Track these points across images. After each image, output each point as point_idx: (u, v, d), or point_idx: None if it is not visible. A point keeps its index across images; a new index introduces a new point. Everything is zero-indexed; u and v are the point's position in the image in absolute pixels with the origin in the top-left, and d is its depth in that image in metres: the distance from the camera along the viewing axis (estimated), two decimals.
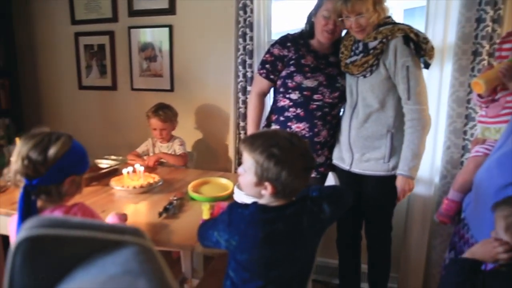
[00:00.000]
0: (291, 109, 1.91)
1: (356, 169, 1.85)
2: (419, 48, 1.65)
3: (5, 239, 1.76)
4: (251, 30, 2.32)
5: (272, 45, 1.98)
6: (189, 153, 2.47)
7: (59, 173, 1.14)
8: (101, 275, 0.54)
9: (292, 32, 2.00)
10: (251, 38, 2.33)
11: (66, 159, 1.14)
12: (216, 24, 2.55)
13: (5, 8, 2.92)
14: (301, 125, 1.90)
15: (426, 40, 1.66)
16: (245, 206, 1.17)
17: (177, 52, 2.71)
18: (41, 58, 3.17)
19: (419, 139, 1.69)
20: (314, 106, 1.88)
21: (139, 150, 2.46)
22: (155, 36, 2.75)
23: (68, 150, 1.15)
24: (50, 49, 3.12)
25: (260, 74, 2.00)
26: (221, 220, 1.18)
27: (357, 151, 1.83)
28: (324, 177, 1.95)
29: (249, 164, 1.12)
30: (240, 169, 1.19)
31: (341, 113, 1.98)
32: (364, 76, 1.74)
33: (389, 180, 1.76)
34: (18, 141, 1.98)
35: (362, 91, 1.78)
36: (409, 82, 1.65)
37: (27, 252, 0.59)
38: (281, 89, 1.95)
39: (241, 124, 2.45)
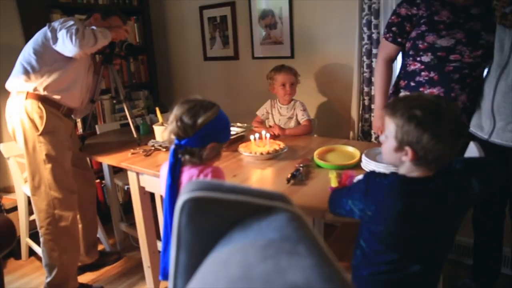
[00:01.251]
0: (423, 73, 1.73)
1: (497, 139, 1.60)
2: None
3: (151, 196, 2.01)
4: None
5: (399, 4, 1.77)
6: (312, 120, 2.43)
7: (204, 138, 1.26)
8: (261, 239, 0.56)
9: None
10: None
11: (211, 126, 1.25)
12: None
13: None
14: (435, 90, 1.70)
15: None
16: (383, 175, 1.11)
17: (297, 17, 2.66)
18: (171, 34, 3.44)
19: None
20: (451, 67, 1.66)
21: (259, 113, 2.48)
22: (274, 3, 2.73)
23: (214, 119, 1.26)
24: (179, 24, 3.36)
25: (386, 39, 1.83)
26: (357, 189, 1.13)
27: (501, 118, 1.57)
28: (462, 147, 1.74)
29: (390, 128, 1.06)
30: (381, 137, 1.13)
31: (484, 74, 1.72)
32: None
33: None
34: (158, 110, 2.21)
35: None
36: None
37: (191, 212, 0.63)
38: (411, 52, 1.76)
39: (365, 89, 2.33)
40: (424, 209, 1.05)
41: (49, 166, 1.91)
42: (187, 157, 1.28)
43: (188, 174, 1.28)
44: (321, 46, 2.60)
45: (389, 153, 1.09)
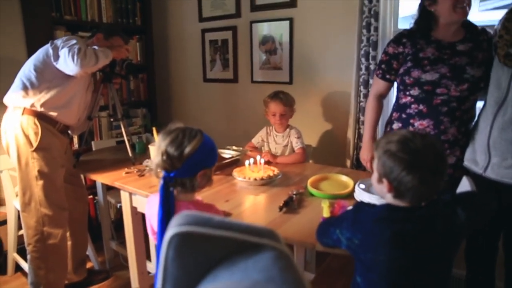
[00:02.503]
0: (413, 106, 1.77)
1: (492, 175, 1.61)
2: None
3: (143, 216, 1.99)
4: (376, 20, 2.19)
5: (387, 44, 1.87)
6: (306, 146, 2.44)
7: (193, 167, 1.24)
8: (246, 280, 0.56)
9: (408, 28, 1.85)
10: (376, 29, 2.20)
11: (198, 154, 1.22)
12: (338, 15, 2.48)
13: (146, 8, 3.27)
14: (425, 122, 1.74)
15: None
16: (372, 205, 1.16)
17: (297, 45, 2.71)
18: (172, 54, 3.49)
19: None
20: (439, 100, 1.70)
21: (254, 141, 2.46)
22: (275, 29, 2.78)
23: (201, 146, 1.23)
24: (180, 45, 3.41)
25: (377, 75, 1.93)
26: (345, 218, 1.16)
27: (496, 154, 1.58)
28: (454, 181, 1.76)
29: (375, 160, 1.13)
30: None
31: (478, 108, 1.75)
32: None
33: None
34: (154, 130, 2.22)
35: None
36: None
37: (178, 246, 0.63)
38: (401, 87, 1.83)
39: (362, 118, 2.35)
40: (413, 236, 1.06)
41: (40, 182, 1.90)
42: (179, 189, 1.26)
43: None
44: (319, 73, 2.65)
45: (375, 184, 1.15)
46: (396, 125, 1.87)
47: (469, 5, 1.65)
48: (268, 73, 2.90)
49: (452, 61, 1.69)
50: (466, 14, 1.66)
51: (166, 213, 1.21)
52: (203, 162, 1.26)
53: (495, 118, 1.58)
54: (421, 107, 1.75)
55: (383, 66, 1.88)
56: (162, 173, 1.24)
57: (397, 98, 1.90)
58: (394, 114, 1.91)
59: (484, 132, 1.63)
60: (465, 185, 1.52)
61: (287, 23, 2.70)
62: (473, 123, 1.76)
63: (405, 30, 1.85)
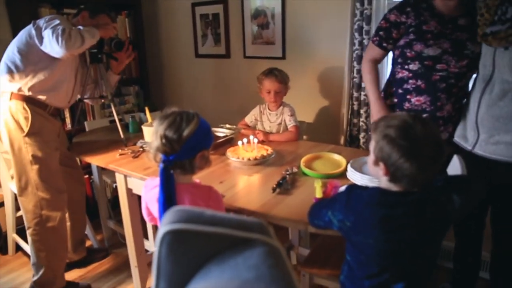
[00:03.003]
0: (410, 81, 1.75)
1: (480, 151, 1.63)
2: None
3: (139, 197, 2.01)
4: None
5: (390, 10, 1.79)
6: (300, 123, 2.43)
7: (191, 149, 1.26)
8: (236, 279, 0.58)
9: None
10: (370, 2, 2.16)
11: (196, 136, 1.24)
12: None
13: None
14: (422, 98, 1.73)
15: None
16: (365, 188, 1.17)
17: (289, 19, 2.66)
18: (163, 30, 3.41)
19: None
20: (437, 76, 1.69)
21: (247, 119, 2.45)
22: (267, 2, 2.72)
23: (198, 129, 1.25)
24: (170, 20, 3.33)
25: (373, 41, 1.86)
26: (338, 200, 1.18)
27: (484, 131, 1.60)
28: (450, 157, 1.78)
29: (372, 142, 1.12)
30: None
31: (470, 84, 1.75)
32: (506, 48, 1.47)
33: None
34: (147, 110, 2.20)
35: (500, 65, 1.51)
36: None
37: (170, 243, 0.65)
38: (399, 60, 1.79)
39: (355, 94, 2.34)
40: (401, 221, 1.08)
41: (36, 167, 1.90)
42: (178, 171, 1.28)
43: (190, 196, 1.28)
44: (312, 49, 2.61)
45: (370, 166, 1.15)
46: (391, 101, 1.86)
47: None
48: (260, 48, 2.85)
49: (453, 36, 1.66)
50: None
51: (168, 196, 1.24)
52: (201, 143, 1.29)
53: (482, 95, 1.59)
54: (419, 82, 1.73)
55: (381, 33, 1.81)
56: (160, 157, 1.26)
57: (393, 72, 1.87)
58: (388, 89, 1.89)
59: (473, 109, 1.64)
60: (455, 165, 1.54)
61: None
62: (465, 101, 1.76)
63: None
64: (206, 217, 0.71)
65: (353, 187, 1.20)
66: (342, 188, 1.49)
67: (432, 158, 1.05)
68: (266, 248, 0.65)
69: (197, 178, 1.60)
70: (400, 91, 1.81)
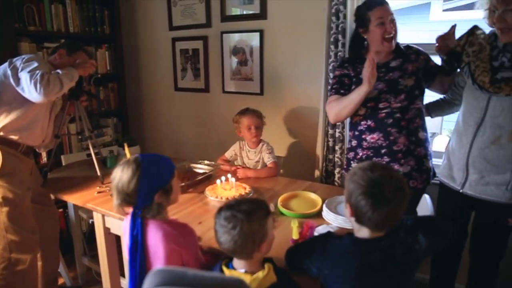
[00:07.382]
0: (362, 122, 1.91)
1: (469, 191, 1.70)
2: None
3: (118, 238, 1.99)
4: (344, 36, 2.26)
5: (333, 70, 2.06)
6: (277, 157, 2.49)
7: (146, 196, 1.28)
8: None
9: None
10: (343, 45, 2.27)
11: (142, 184, 1.26)
12: (307, 29, 2.53)
13: (115, 16, 3.22)
14: (375, 135, 1.86)
15: None
16: (340, 237, 1.23)
17: (267, 56, 2.75)
18: (143, 62, 3.45)
19: None
20: (383, 114, 1.83)
21: (227, 155, 2.51)
22: (246, 40, 2.81)
23: (141, 175, 1.26)
24: (151, 53, 3.38)
25: (331, 94, 1.98)
26: (316, 249, 1.23)
27: (475, 172, 1.67)
28: (417, 192, 1.85)
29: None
30: None
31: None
32: (508, 95, 1.52)
33: (508, 209, 1.62)
34: (126, 146, 2.20)
35: (495, 109, 1.57)
36: None
37: None
38: None
39: (330, 131, 2.42)
40: (377, 265, 1.14)
41: (5, 209, 1.85)
42: (148, 215, 1.31)
43: (163, 232, 1.30)
44: (289, 86, 2.70)
45: (344, 209, 1.23)
46: (353, 143, 1.98)
47: (395, 36, 1.81)
48: (239, 83, 2.93)
49: (387, 77, 1.84)
50: (392, 47, 1.82)
51: (134, 242, 1.28)
52: (153, 188, 1.29)
53: (474, 138, 1.65)
54: (369, 122, 1.88)
55: (335, 86, 1.96)
56: (124, 209, 1.32)
57: (350, 119, 2.04)
58: (349, 133, 2.05)
59: (463, 151, 1.70)
60: (425, 205, 1.62)
61: (257, 34, 2.74)
62: (449, 142, 1.84)
63: (344, 57, 2.11)
64: (188, 278, 0.73)
65: (328, 236, 1.26)
66: (319, 228, 1.54)
67: (387, 199, 1.11)
68: None
69: (177, 217, 1.62)
70: (356, 133, 1.95)
